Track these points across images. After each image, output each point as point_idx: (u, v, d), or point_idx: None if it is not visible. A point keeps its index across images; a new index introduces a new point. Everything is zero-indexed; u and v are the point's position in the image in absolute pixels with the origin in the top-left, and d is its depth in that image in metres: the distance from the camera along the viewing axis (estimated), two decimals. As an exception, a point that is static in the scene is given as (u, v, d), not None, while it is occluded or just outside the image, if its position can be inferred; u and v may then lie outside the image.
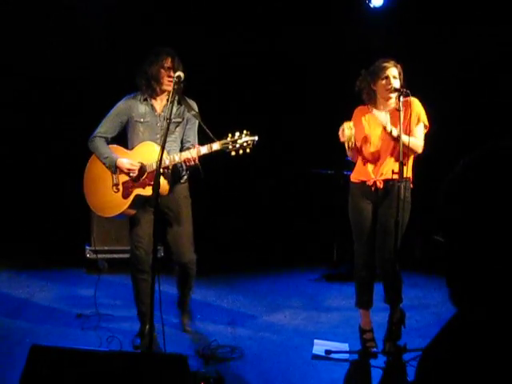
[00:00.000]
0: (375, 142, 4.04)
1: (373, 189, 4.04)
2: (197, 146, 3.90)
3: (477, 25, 6.21)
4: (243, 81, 6.84)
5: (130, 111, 4.10)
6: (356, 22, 6.60)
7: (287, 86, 7.00)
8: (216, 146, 3.79)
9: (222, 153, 3.79)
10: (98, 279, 4.65)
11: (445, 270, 1.20)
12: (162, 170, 3.85)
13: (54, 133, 6.95)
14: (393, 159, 3.97)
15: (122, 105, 4.16)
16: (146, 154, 3.96)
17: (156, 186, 3.48)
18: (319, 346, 4.16)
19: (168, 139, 4.04)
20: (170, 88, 4.01)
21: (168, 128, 3.54)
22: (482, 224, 1.12)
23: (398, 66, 4.03)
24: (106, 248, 6.14)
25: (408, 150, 3.87)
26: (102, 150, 4.09)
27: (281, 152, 7.13)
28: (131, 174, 3.98)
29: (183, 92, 4.11)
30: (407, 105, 3.91)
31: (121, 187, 4.05)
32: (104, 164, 4.08)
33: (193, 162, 3.84)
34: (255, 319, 4.88)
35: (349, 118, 4.27)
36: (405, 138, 3.84)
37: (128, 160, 4.00)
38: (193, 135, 4.18)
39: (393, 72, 3.98)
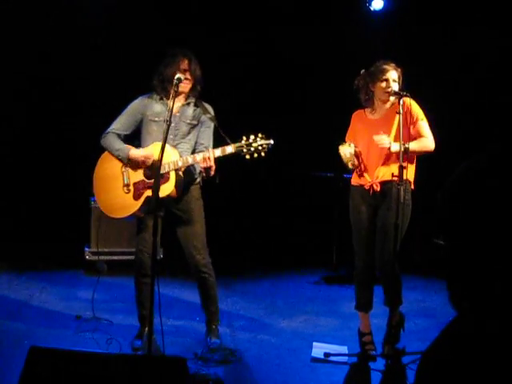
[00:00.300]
0: (370, 146, 4.04)
1: (370, 192, 4.04)
2: (210, 149, 3.86)
3: (477, 26, 6.22)
4: (242, 81, 6.84)
5: (144, 109, 4.07)
6: (356, 24, 6.61)
7: (287, 87, 7.01)
8: (230, 148, 3.75)
9: (237, 156, 3.75)
10: (97, 281, 4.63)
11: (445, 273, 1.20)
12: (174, 172, 3.85)
13: (54, 133, 6.96)
14: (390, 162, 3.97)
15: (137, 103, 4.13)
16: (157, 154, 3.86)
17: (156, 187, 3.47)
18: (318, 349, 4.16)
19: (182, 141, 4.04)
20: (186, 90, 4.02)
21: (168, 129, 3.53)
22: (482, 226, 1.12)
23: (398, 69, 4.04)
24: (105, 250, 6.13)
25: (420, 153, 3.96)
26: (114, 143, 4.05)
27: (280, 154, 7.12)
28: (147, 162, 3.92)
29: (200, 95, 4.10)
30: (405, 107, 3.92)
31: (132, 188, 4.00)
32: (116, 157, 4.03)
33: (209, 163, 3.77)
34: (254, 322, 4.88)
35: (349, 120, 4.28)
36: (413, 146, 3.88)
37: (142, 150, 3.95)
38: (207, 138, 4.11)
39: (393, 75, 3.99)
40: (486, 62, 6.43)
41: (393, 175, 3.89)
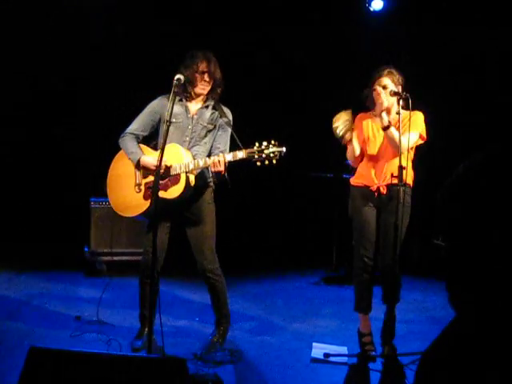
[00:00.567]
0: (378, 147, 4.04)
1: (376, 194, 4.05)
2: (221, 153, 3.81)
3: (476, 26, 6.23)
4: (242, 82, 6.85)
5: (163, 110, 4.00)
6: (356, 24, 6.62)
7: (286, 87, 7.01)
8: (241, 154, 3.68)
9: (248, 162, 3.68)
10: (107, 283, 4.64)
11: (444, 274, 1.20)
12: (184, 174, 3.82)
13: (54, 134, 6.96)
14: (395, 164, 3.97)
15: (155, 103, 4.09)
16: (170, 155, 3.83)
17: (155, 187, 3.46)
18: (318, 350, 4.16)
19: (197, 143, 4.01)
20: (205, 92, 4.00)
21: (168, 129, 3.52)
22: (481, 225, 1.12)
23: (394, 72, 4.00)
24: (105, 250, 6.13)
25: (393, 145, 3.90)
26: (130, 146, 4.02)
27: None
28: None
29: (219, 98, 4.07)
30: (412, 114, 3.92)
31: (143, 188, 3.99)
32: (129, 159, 4.03)
33: (219, 168, 3.73)
34: (254, 322, 4.88)
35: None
36: (395, 133, 3.87)
37: (154, 158, 3.90)
38: (223, 142, 4.06)
39: (383, 82, 3.97)
40: (485, 62, 6.44)
41: (392, 175, 3.90)
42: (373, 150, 4.07)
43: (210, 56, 4.01)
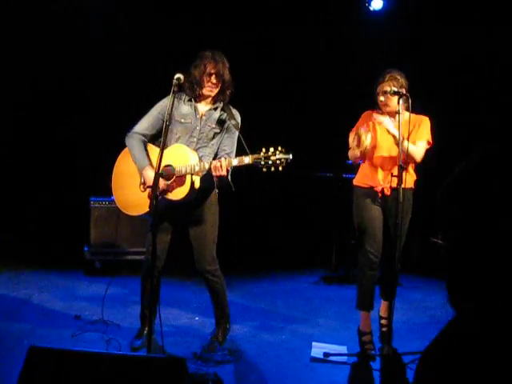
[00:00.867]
0: (387, 148, 4.04)
1: (380, 195, 4.07)
2: (223, 158, 3.76)
3: (476, 26, 6.23)
4: (241, 82, 6.84)
5: (172, 109, 3.98)
6: (356, 24, 6.62)
7: (286, 87, 7.01)
8: (247, 159, 3.62)
9: (254, 168, 3.62)
10: (109, 283, 4.65)
11: (444, 273, 1.20)
12: (190, 176, 3.80)
13: (53, 134, 6.96)
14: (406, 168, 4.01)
15: (164, 102, 4.01)
16: (176, 156, 3.82)
17: (154, 187, 3.45)
18: (317, 349, 4.16)
19: (204, 145, 3.97)
20: (212, 94, 3.96)
21: (167, 129, 3.52)
22: (480, 225, 1.13)
23: (397, 77, 4.00)
24: (104, 250, 6.14)
25: (407, 156, 3.90)
26: (136, 150, 3.97)
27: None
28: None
29: (229, 100, 4.03)
30: (420, 121, 4.02)
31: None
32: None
33: (220, 172, 3.69)
34: (254, 321, 4.88)
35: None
36: (405, 143, 3.87)
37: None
38: (230, 145, 4.02)
39: (384, 88, 3.99)
40: (485, 62, 6.43)
41: (392, 175, 3.91)
42: (381, 152, 4.07)
43: (219, 57, 3.95)
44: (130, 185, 4.02)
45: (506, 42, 6.14)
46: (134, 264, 5.70)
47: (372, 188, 4.09)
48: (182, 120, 3.97)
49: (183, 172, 3.79)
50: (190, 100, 4.02)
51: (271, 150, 3.56)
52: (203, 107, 4.03)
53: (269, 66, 6.89)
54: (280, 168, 3.58)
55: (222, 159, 3.72)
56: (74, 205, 6.63)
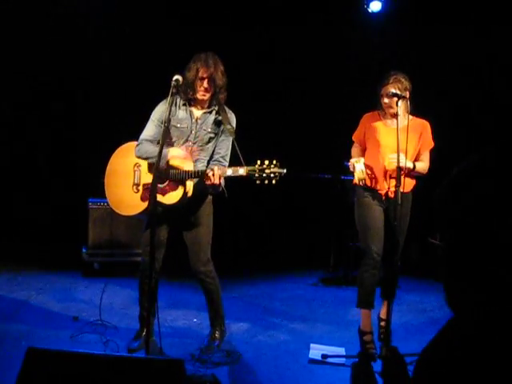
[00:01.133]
0: (389, 151, 4.04)
1: (384, 198, 4.09)
2: (216, 167, 3.72)
3: (475, 26, 6.23)
4: (241, 82, 6.85)
5: (171, 111, 3.90)
6: (355, 25, 6.63)
7: (286, 87, 7.01)
8: (242, 171, 3.63)
9: (247, 179, 3.62)
10: (105, 285, 4.63)
11: (442, 274, 1.20)
12: (184, 181, 3.78)
13: (53, 134, 6.96)
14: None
15: (161, 108, 3.99)
16: (172, 160, 3.82)
17: (153, 187, 3.45)
18: (316, 351, 4.16)
19: (200, 149, 3.95)
20: (205, 98, 3.92)
21: (166, 131, 3.51)
22: (477, 226, 1.13)
23: (400, 79, 4.01)
24: (103, 251, 6.13)
25: (417, 173, 4.05)
26: (152, 149, 3.88)
27: (278, 156, 7.12)
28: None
29: (225, 101, 4.00)
30: (422, 128, 4.08)
31: (141, 188, 3.95)
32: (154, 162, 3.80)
33: (213, 181, 3.66)
34: (251, 323, 4.87)
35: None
36: (410, 165, 3.98)
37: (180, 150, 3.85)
38: (225, 148, 3.99)
39: (388, 90, 4.00)
40: (485, 63, 6.44)
41: (390, 176, 3.93)
42: (384, 154, 4.07)
43: (211, 61, 3.89)
44: (123, 184, 4.02)
45: (505, 43, 6.15)
46: (132, 265, 5.70)
47: (376, 190, 4.11)
48: (178, 125, 3.96)
49: (177, 177, 3.79)
50: (184, 104, 4.00)
51: (266, 162, 3.58)
52: (198, 111, 4.01)
53: (269, 66, 6.89)
54: (273, 181, 3.59)
55: (215, 168, 3.70)
56: (72, 206, 6.62)
